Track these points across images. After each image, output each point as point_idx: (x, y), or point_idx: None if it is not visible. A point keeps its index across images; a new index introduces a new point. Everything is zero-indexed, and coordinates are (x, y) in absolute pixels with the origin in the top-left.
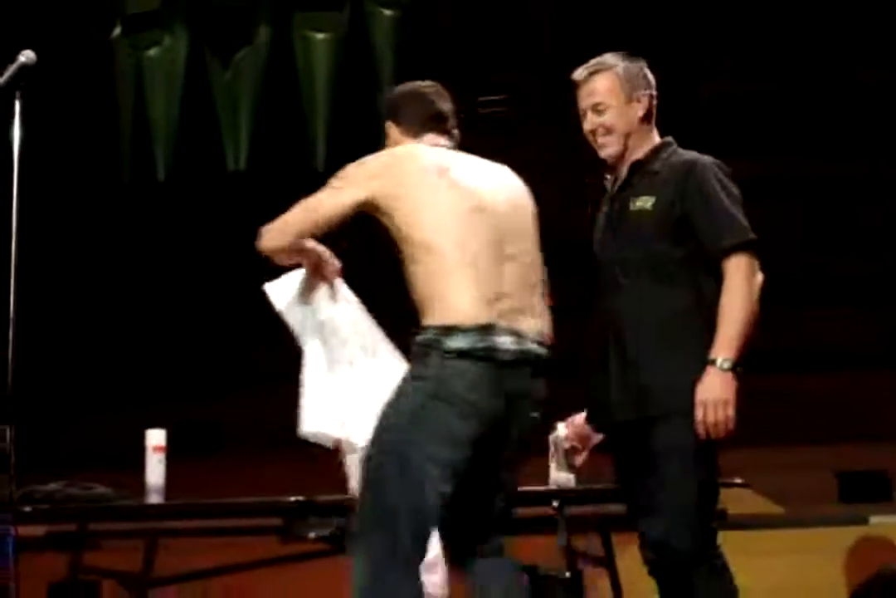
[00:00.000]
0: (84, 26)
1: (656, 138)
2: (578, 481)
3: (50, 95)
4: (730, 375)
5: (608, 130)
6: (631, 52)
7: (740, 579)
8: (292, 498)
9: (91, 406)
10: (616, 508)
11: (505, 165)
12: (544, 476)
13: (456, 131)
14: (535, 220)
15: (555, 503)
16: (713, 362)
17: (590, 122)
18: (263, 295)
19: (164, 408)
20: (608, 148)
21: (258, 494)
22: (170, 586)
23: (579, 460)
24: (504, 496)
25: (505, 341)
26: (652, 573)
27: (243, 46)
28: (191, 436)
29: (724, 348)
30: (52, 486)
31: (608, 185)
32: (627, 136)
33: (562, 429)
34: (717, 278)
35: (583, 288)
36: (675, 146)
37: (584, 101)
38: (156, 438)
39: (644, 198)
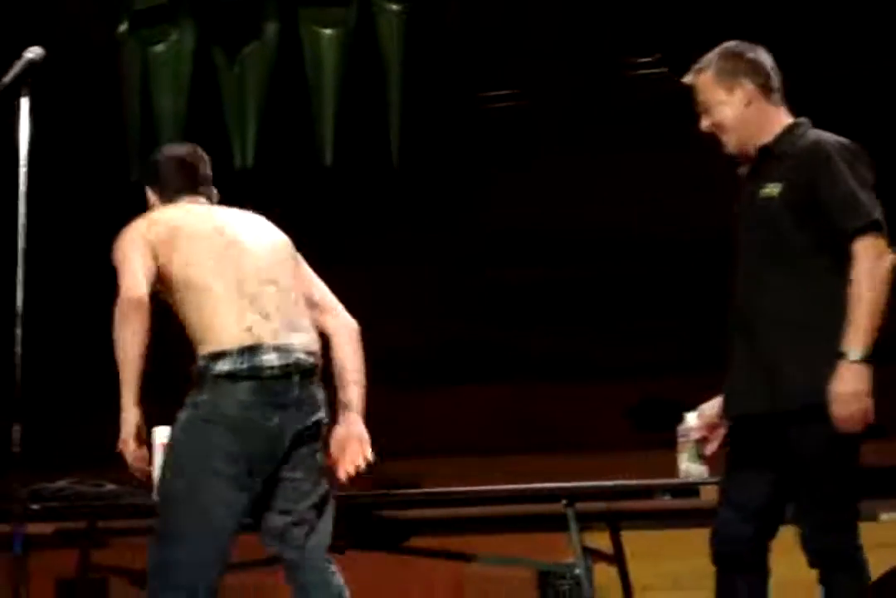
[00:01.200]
0: (91, 22)
1: (785, 119)
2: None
3: (57, 92)
4: (862, 366)
5: (719, 128)
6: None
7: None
8: None
9: (99, 403)
10: (625, 504)
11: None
12: (673, 468)
13: (213, 192)
14: (290, 253)
15: (564, 501)
16: (844, 355)
17: (703, 123)
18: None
19: (172, 405)
20: (727, 145)
21: None
22: None
23: (710, 449)
24: (311, 505)
25: (270, 358)
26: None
27: (250, 41)
28: None
29: (854, 339)
30: (61, 483)
31: (743, 173)
32: (741, 127)
33: (691, 419)
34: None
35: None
36: (806, 127)
37: (697, 103)
38: (163, 435)
39: (771, 185)
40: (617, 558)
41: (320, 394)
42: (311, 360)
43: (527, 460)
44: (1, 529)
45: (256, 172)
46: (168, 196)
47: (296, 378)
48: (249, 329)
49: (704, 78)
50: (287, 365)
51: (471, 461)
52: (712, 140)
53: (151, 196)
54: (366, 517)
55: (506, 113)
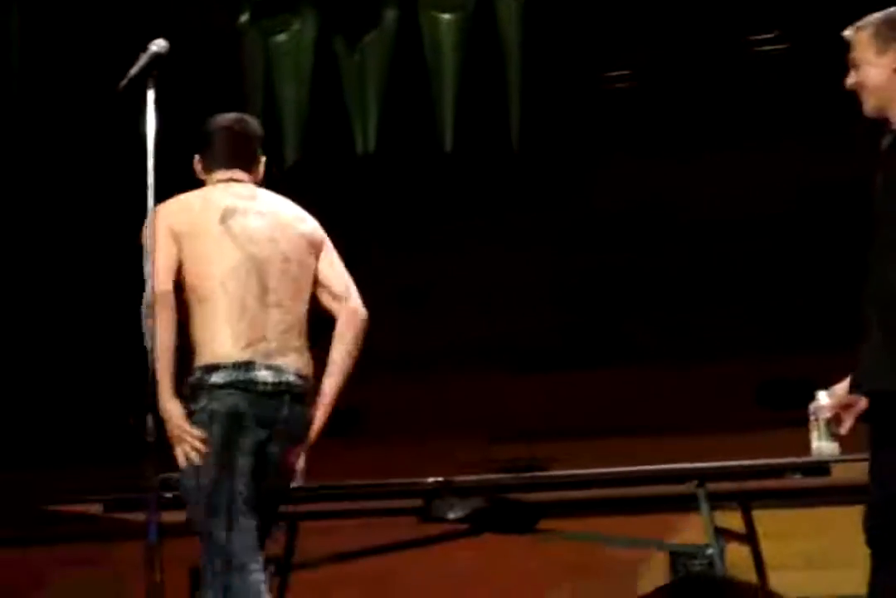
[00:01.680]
0: (212, 13)
1: None
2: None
3: (180, 83)
4: None
5: (861, 88)
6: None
7: None
8: (431, 479)
9: None
10: (756, 484)
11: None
12: (804, 447)
13: (257, 168)
14: (308, 258)
15: (695, 481)
16: None
17: (848, 79)
18: (402, 284)
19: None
20: (865, 106)
21: (397, 477)
22: (311, 569)
23: (844, 428)
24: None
25: (264, 375)
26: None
27: (370, 29)
28: (332, 420)
29: None
30: None
31: (885, 143)
32: (881, 91)
33: (823, 398)
34: None
35: None
36: None
37: (848, 58)
38: None
39: None
40: (749, 537)
41: (307, 416)
42: (302, 382)
43: (657, 442)
44: (135, 517)
45: (378, 157)
46: (209, 167)
47: (286, 398)
48: (245, 348)
49: (861, 36)
50: (279, 383)
51: (600, 444)
52: (837, 113)
53: (197, 165)
54: (496, 501)
55: (625, 94)
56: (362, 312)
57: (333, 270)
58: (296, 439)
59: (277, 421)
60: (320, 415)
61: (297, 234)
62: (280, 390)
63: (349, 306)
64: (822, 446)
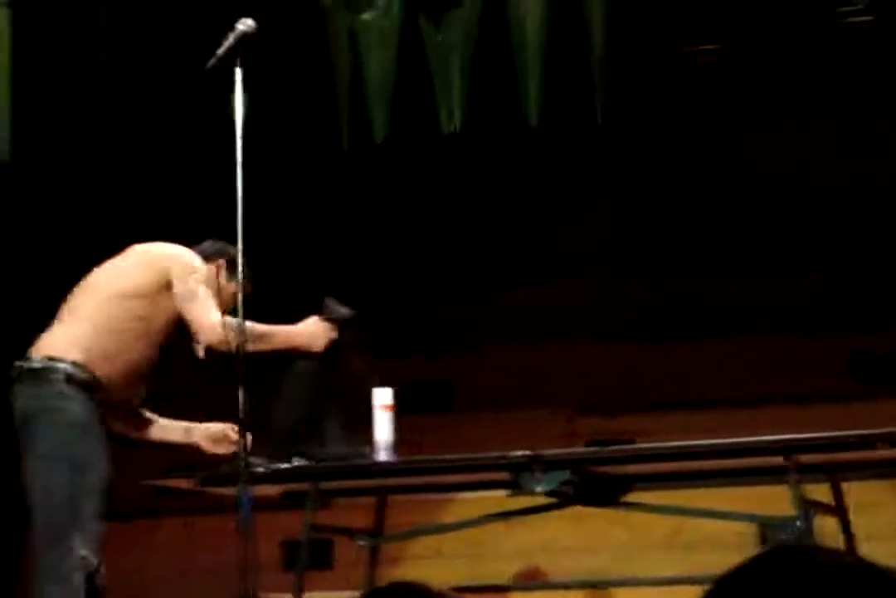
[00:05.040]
0: None
1: None
2: None
3: (267, 63)
4: None
5: None
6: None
7: None
8: (520, 453)
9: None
10: (845, 455)
11: None
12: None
13: None
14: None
15: (783, 453)
16: None
17: None
18: (490, 258)
19: (396, 366)
20: None
21: (486, 451)
22: (401, 541)
23: None
24: None
25: None
26: None
27: (455, 6)
28: (420, 395)
29: None
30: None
31: None
32: None
33: None
34: None
35: None
36: None
37: None
38: (383, 397)
39: None
40: (838, 509)
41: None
42: None
43: (747, 414)
44: (229, 492)
45: (464, 135)
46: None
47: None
48: None
49: None
50: None
51: (688, 416)
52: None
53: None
54: (583, 473)
55: (710, 68)
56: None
57: None
58: None
59: None
60: None
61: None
62: None
63: None
64: None
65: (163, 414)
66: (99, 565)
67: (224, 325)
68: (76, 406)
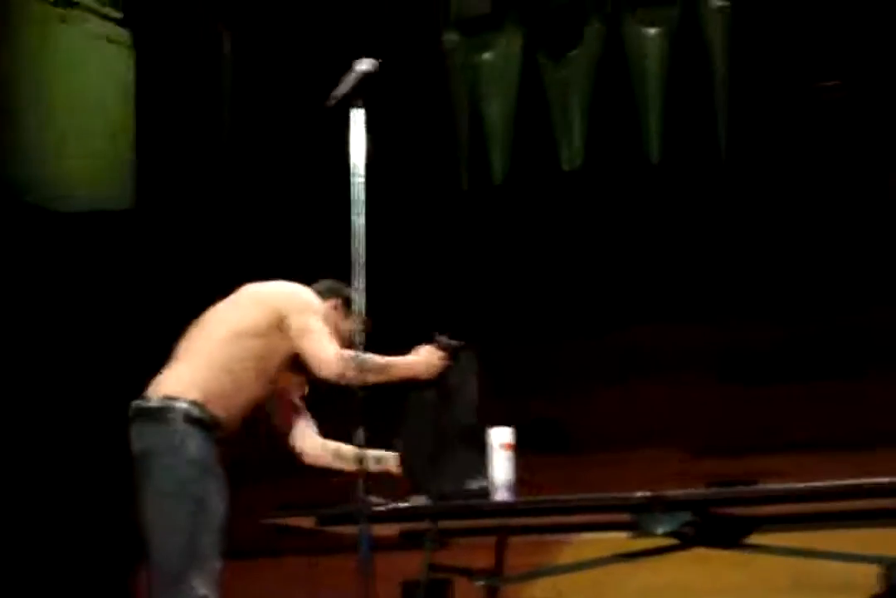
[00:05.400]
0: (419, 32)
1: None
2: None
3: (387, 103)
4: None
5: None
6: None
7: None
8: (640, 494)
9: None
10: None
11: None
12: None
13: None
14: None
15: None
16: None
17: None
18: (612, 297)
19: (511, 405)
20: None
21: (603, 491)
22: (520, 583)
23: None
24: None
25: None
26: None
27: (575, 44)
28: (537, 435)
29: None
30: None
31: None
32: None
33: None
34: None
35: None
36: None
37: None
38: (503, 436)
39: None
40: None
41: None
42: None
43: (868, 454)
44: (348, 531)
45: (585, 172)
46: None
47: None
48: None
49: None
50: None
51: (809, 457)
52: None
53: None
54: (705, 514)
55: (835, 103)
56: None
57: None
58: None
59: None
60: None
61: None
62: None
63: None
64: None
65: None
66: None
67: (342, 358)
68: (195, 444)
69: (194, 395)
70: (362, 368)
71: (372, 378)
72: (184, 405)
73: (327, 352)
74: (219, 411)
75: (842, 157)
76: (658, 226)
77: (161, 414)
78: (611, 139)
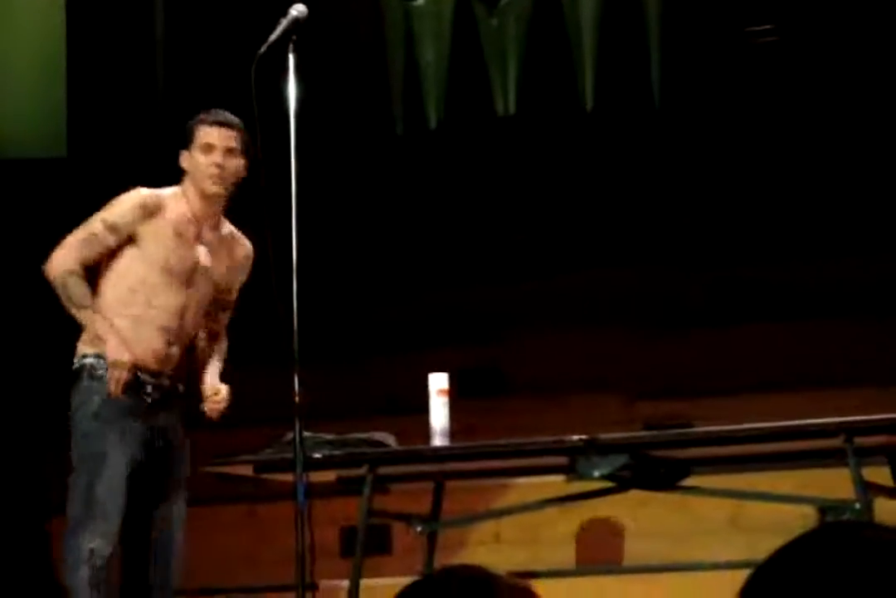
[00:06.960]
0: None
1: None
2: None
3: (320, 48)
4: None
5: None
6: None
7: None
8: (576, 437)
9: (373, 352)
10: None
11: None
12: None
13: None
14: None
15: (842, 435)
16: None
17: None
18: (546, 243)
19: (447, 352)
20: None
21: (541, 436)
22: (457, 527)
23: None
24: None
25: None
26: None
27: None
28: (473, 380)
29: None
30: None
31: None
32: None
33: None
34: None
35: None
36: None
37: None
38: (439, 382)
39: None
40: None
41: None
42: None
43: (802, 396)
44: (285, 478)
45: (518, 118)
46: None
47: None
48: None
49: None
50: None
51: (744, 400)
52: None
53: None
54: (641, 457)
55: (767, 48)
56: None
57: None
58: None
59: None
60: None
61: None
62: None
63: None
64: None
65: None
66: (110, 556)
67: (60, 266)
68: (99, 399)
69: (95, 347)
70: (63, 293)
71: (67, 306)
72: (89, 361)
73: (56, 251)
74: (120, 354)
75: (773, 101)
76: (591, 172)
77: (76, 374)
78: (545, 85)
